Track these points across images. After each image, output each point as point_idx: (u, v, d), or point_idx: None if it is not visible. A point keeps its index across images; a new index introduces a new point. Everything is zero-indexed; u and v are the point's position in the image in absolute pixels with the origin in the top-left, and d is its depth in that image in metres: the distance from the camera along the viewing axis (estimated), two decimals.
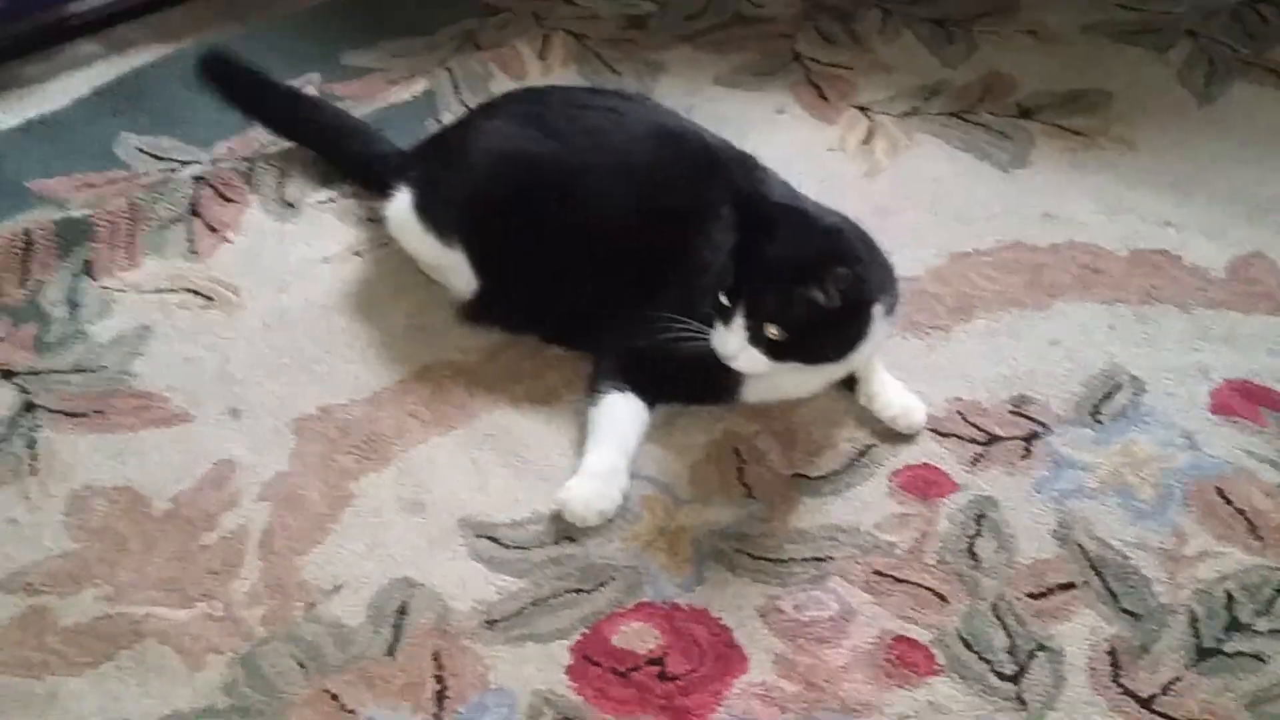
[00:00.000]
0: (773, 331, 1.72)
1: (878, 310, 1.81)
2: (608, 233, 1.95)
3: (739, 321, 1.73)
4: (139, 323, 2.08)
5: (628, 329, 1.91)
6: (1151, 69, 2.63)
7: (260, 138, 2.45)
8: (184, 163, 2.40)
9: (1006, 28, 2.76)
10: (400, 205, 2.10)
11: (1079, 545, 1.74)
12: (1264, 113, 2.51)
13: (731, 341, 1.75)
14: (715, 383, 1.90)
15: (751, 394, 1.91)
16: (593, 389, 1.90)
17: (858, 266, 1.74)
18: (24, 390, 1.97)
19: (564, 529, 1.77)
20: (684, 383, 1.91)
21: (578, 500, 1.78)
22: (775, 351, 1.74)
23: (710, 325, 1.78)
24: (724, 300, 1.75)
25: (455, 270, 2.06)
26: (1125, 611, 1.67)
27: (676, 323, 1.80)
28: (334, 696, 1.60)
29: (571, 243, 1.96)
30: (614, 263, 1.94)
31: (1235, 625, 1.65)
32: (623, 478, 1.81)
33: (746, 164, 2.03)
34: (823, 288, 1.71)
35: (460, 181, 2.05)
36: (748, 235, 1.75)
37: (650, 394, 1.89)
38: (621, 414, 1.87)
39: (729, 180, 1.94)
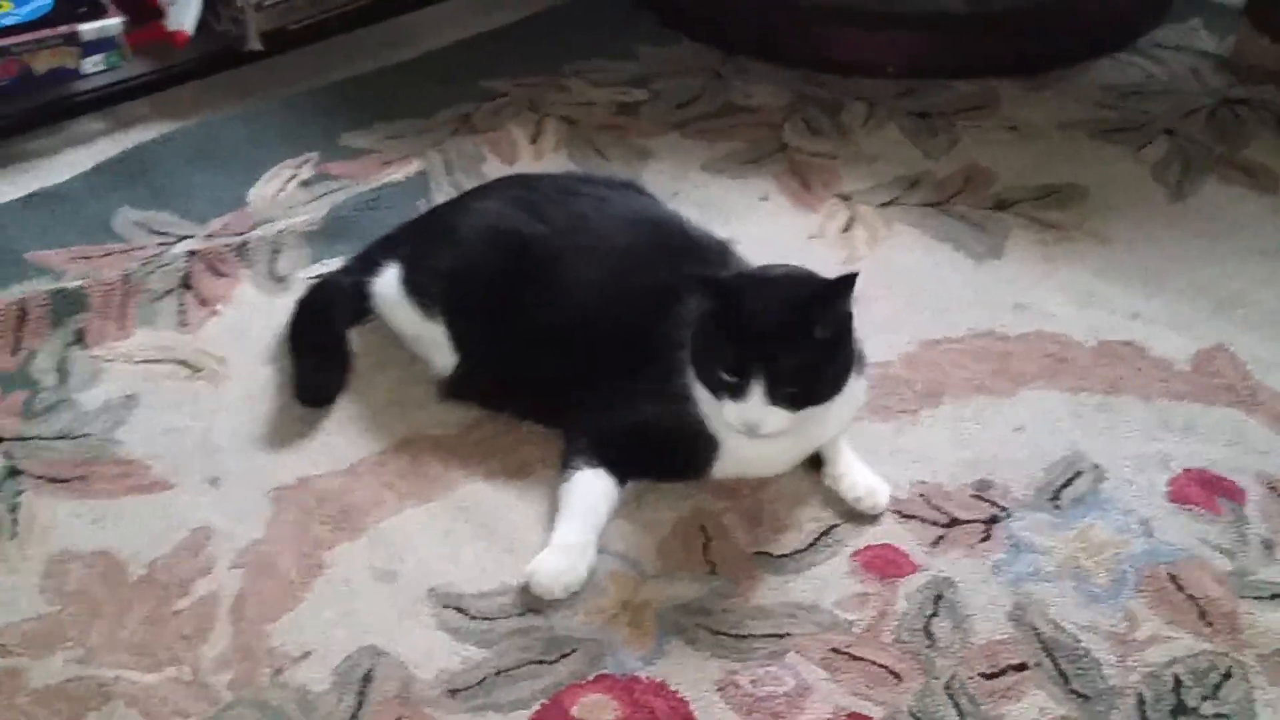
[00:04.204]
0: (790, 388, 1.77)
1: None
2: (584, 313, 2.00)
3: (758, 390, 1.76)
4: (126, 392, 2.12)
5: (601, 406, 1.95)
6: (1126, 165, 2.69)
7: (256, 215, 2.52)
8: (180, 237, 2.46)
9: (987, 122, 2.83)
10: (388, 280, 2.16)
11: (1033, 627, 1.77)
12: (1233, 210, 2.56)
13: (753, 412, 1.77)
14: (686, 459, 1.94)
15: (722, 470, 1.95)
16: (565, 465, 1.94)
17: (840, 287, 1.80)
18: (9, 456, 2.01)
19: (530, 601, 1.80)
20: (655, 459, 1.95)
21: (545, 573, 1.81)
22: (793, 402, 1.78)
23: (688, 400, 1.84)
24: (727, 378, 1.78)
25: (436, 345, 2.11)
26: (1075, 693, 1.69)
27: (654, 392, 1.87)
28: None
29: (549, 322, 2.01)
30: (589, 343, 1.98)
31: (1181, 709, 1.67)
32: (590, 553, 1.85)
33: (721, 251, 2.08)
34: (824, 319, 1.78)
35: (446, 257, 2.11)
36: (725, 311, 1.79)
37: (622, 471, 1.93)
38: (593, 490, 1.90)
39: (701, 267, 2.00)
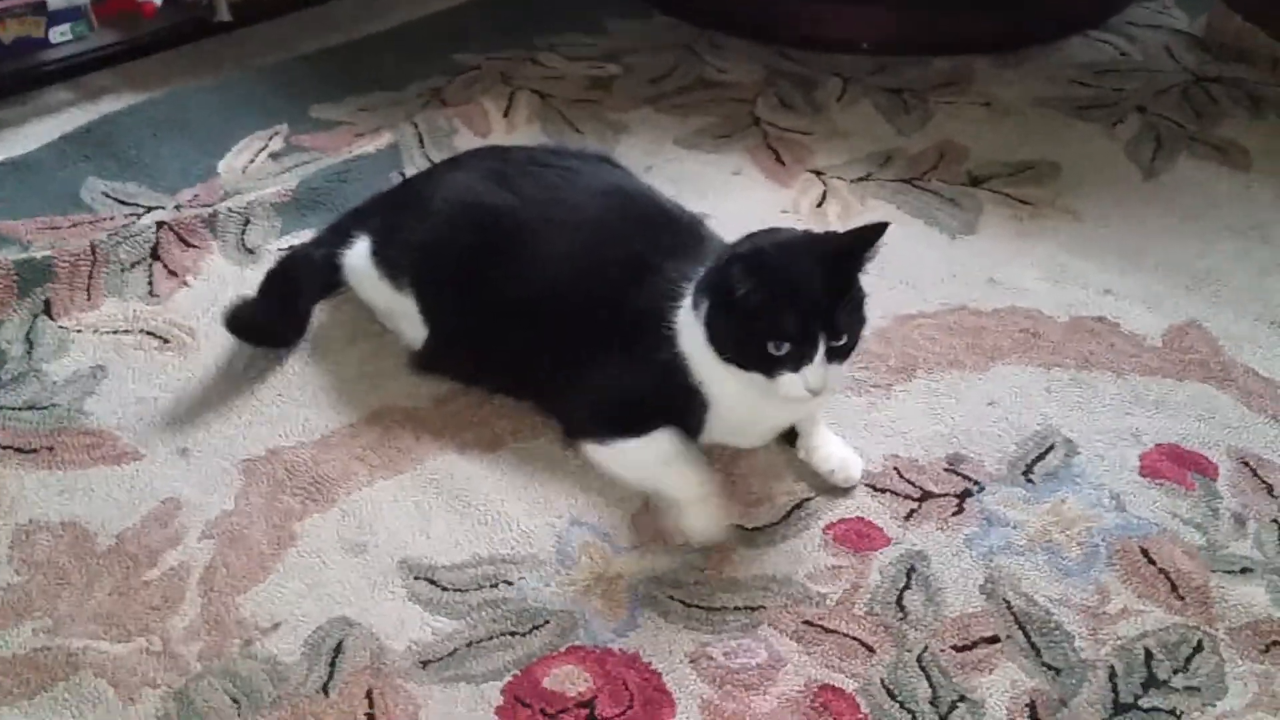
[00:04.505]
0: (842, 340, 1.78)
1: None
2: (556, 286, 1.98)
3: (820, 353, 1.76)
4: (94, 362, 2.11)
5: (590, 384, 1.94)
6: (1100, 143, 2.70)
7: (225, 186, 2.50)
8: (149, 208, 2.44)
9: (961, 99, 2.84)
10: (358, 252, 2.14)
11: (1005, 600, 1.77)
12: (1205, 188, 2.58)
13: (816, 374, 1.76)
14: (680, 421, 1.92)
15: (709, 436, 1.94)
16: (575, 443, 1.95)
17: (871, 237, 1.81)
18: None
19: (500, 572, 1.80)
20: (652, 427, 1.93)
21: (699, 518, 1.84)
22: (844, 356, 1.80)
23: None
24: (782, 349, 1.75)
25: (407, 318, 2.09)
26: (1046, 666, 1.69)
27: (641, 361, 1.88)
28: None
29: (520, 294, 1.99)
30: (561, 315, 1.96)
31: (1153, 682, 1.68)
32: (711, 485, 1.88)
33: (694, 225, 2.07)
34: (860, 269, 1.81)
35: (416, 229, 2.09)
36: (775, 282, 1.76)
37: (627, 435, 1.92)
38: (662, 444, 1.90)
39: (675, 238, 1.99)
